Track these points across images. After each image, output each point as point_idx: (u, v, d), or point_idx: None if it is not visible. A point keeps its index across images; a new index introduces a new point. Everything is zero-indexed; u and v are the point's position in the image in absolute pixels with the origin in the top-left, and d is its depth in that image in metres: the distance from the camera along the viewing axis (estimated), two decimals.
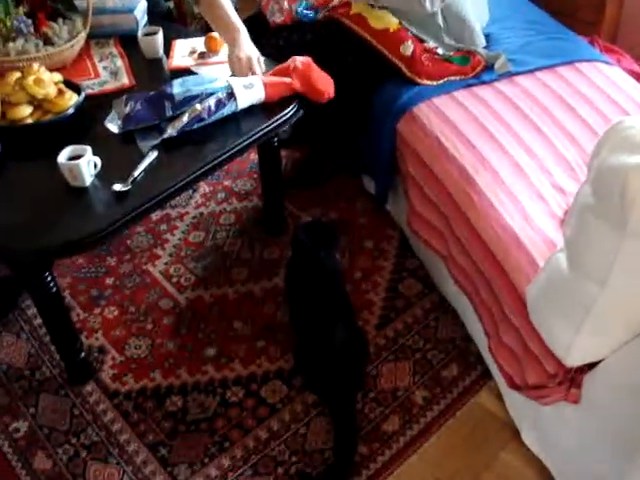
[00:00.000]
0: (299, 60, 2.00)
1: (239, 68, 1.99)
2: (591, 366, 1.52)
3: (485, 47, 2.35)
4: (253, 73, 1.98)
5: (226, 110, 1.89)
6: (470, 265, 1.89)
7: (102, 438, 1.92)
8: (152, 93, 1.91)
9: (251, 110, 1.94)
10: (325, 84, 2.03)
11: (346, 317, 2.01)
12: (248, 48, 2.02)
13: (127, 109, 1.89)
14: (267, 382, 2.04)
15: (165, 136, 1.84)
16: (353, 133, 2.47)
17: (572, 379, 1.56)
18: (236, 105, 1.90)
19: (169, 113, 1.88)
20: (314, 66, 2.02)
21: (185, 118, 1.86)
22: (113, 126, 1.89)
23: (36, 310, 2.12)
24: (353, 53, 2.28)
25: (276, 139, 2.25)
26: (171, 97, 1.88)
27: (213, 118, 1.88)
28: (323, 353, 1.93)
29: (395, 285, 2.32)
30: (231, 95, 1.89)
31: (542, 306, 1.54)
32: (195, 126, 1.86)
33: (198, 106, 1.86)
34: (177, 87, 1.90)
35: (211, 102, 1.87)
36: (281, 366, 2.08)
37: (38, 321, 2.20)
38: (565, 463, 1.73)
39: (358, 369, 2.01)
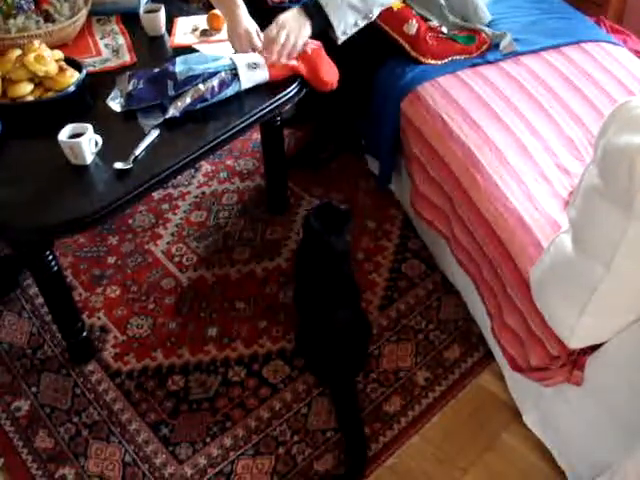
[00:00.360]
0: (310, 45, 1.98)
1: (239, 44, 1.97)
2: (594, 348, 1.52)
3: (490, 26, 2.32)
4: (254, 48, 1.95)
5: (230, 91, 1.87)
6: (473, 246, 1.88)
7: (104, 417, 1.92)
8: (155, 71, 1.90)
9: (254, 89, 1.92)
10: (331, 75, 2.00)
11: (351, 302, 2.01)
12: (247, 22, 1.99)
13: (130, 87, 1.87)
14: (269, 362, 2.04)
15: (167, 116, 1.83)
16: (356, 112, 2.45)
17: (575, 361, 1.56)
18: (239, 86, 1.88)
19: (171, 92, 1.85)
20: (323, 54, 1.99)
21: (188, 99, 1.84)
22: (115, 105, 1.87)
23: (37, 289, 2.11)
24: (357, 31, 2.25)
25: (279, 118, 2.23)
26: (173, 75, 1.86)
27: (216, 99, 1.86)
28: (325, 338, 1.94)
29: (398, 266, 2.32)
30: (235, 75, 1.87)
31: (546, 288, 1.53)
32: (198, 106, 1.84)
33: (201, 86, 1.84)
34: (180, 65, 1.87)
35: (214, 83, 1.85)
36: (283, 346, 2.08)
37: (40, 300, 2.20)
38: (566, 445, 1.73)
39: (360, 354, 2.01)
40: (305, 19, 1.98)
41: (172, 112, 1.83)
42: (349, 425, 1.88)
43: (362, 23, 2.08)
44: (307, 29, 1.99)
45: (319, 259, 1.98)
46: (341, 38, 2.06)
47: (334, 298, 1.96)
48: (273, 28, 1.95)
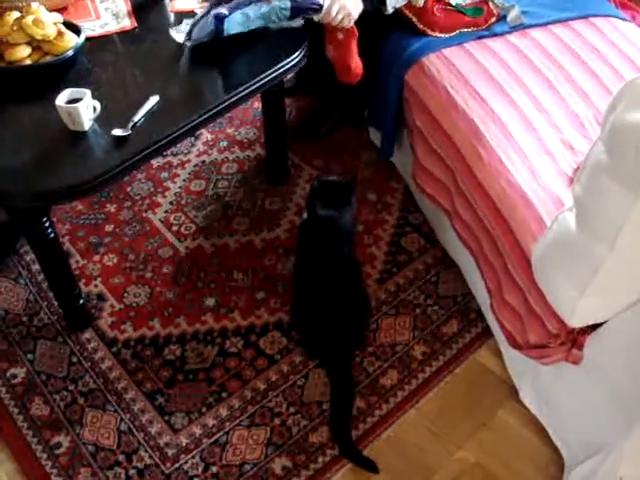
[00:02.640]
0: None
1: None
2: (594, 327, 1.51)
3: None
4: None
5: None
6: (475, 221, 1.87)
7: (100, 385, 1.92)
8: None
9: (255, 55, 1.90)
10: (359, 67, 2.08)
11: (353, 283, 1.99)
12: None
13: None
14: (266, 333, 2.04)
15: (216, 11, 1.84)
16: (360, 83, 2.42)
17: (574, 340, 1.55)
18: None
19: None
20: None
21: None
22: (178, 36, 1.92)
23: (34, 256, 2.10)
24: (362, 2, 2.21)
25: (281, 87, 2.20)
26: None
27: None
28: (325, 318, 1.92)
29: (398, 239, 2.30)
30: None
31: (548, 265, 1.51)
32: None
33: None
34: None
35: None
36: (281, 318, 2.07)
37: (36, 267, 2.18)
38: (562, 424, 1.73)
39: (358, 334, 2.00)
40: (360, 0, 1.99)
41: (221, 9, 1.85)
42: (338, 404, 1.87)
43: None
44: (360, 9, 1.99)
45: (323, 240, 1.95)
46: (389, 11, 2.09)
47: (336, 279, 1.93)
48: (334, 9, 1.92)
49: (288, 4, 1.88)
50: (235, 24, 1.87)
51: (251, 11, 1.87)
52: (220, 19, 1.84)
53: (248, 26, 1.89)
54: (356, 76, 2.12)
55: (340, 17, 1.95)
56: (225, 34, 1.86)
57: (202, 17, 1.87)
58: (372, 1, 2.04)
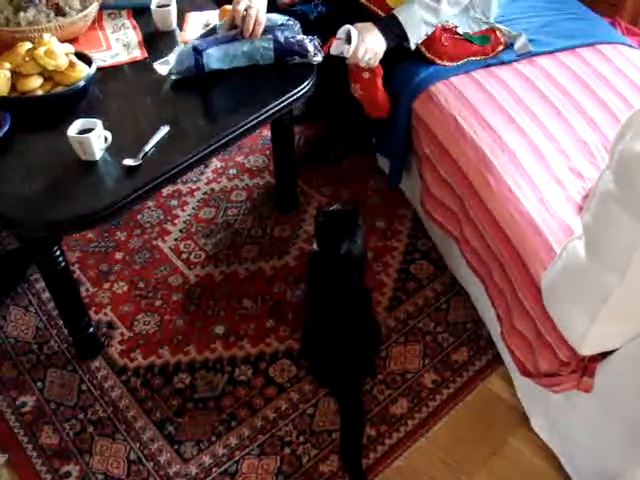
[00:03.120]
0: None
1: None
2: (605, 355, 1.50)
3: (503, 24, 2.28)
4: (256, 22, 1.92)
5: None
6: (484, 249, 1.87)
7: (109, 414, 1.92)
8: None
9: (265, 85, 1.91)
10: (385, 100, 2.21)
11: (364, 312, 1.99)
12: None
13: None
14: (276, 361, 2.03)
15: (194, 44, 1.89)
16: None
17: (585, 368, 1.54)
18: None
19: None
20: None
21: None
22: (162, 68, 1.93)
23: (44, 284, 2.10)
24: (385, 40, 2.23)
25: (290, 115, 2.21)
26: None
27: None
28: (335, 347, 1.91)
29: (407, 266, 2.30)
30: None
31: (557, 293, 1.51)
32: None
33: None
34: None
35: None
36: (290, 345, 2.07)
37: (47, 295, 2.19)
38: (574, 452, 1.71)
39: (368, 363, 2.00)
40: (384, 40, 2.09)
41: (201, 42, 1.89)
42: (348, 433, 1.86)
43: (430, 32, 2.15)
44: (384, 47, 2.10)
45: (334, 271, 1.95)
46: (413, 47, 2.16)
47: (347, 307, 1.93)
48: (360, 51, 2.03)
49: (271, 45, 1.92)
50: (213, 59, 1.89)
51: (231, 47, 1.90)
52: (199, 52, 1.87)
53: (230, 62, 1.91)
54: (385, 110, 2.22)
55: (367, 58, 2.05)
56: (206, 69, 1.89)
57: (184, 50, 1.90)
58: (395, 39, 2.11)
